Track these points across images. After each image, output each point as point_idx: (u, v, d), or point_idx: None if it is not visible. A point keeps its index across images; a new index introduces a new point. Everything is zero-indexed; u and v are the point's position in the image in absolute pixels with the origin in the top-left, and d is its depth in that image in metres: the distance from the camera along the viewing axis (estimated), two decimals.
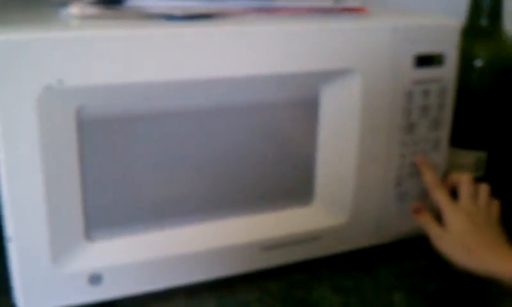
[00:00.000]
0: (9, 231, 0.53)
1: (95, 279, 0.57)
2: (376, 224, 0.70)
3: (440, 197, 0.66)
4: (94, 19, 0.56)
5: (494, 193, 0.69)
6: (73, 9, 0.57)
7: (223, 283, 0.64)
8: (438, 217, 0.66)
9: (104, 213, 0.58)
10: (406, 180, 0.70)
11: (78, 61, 0.51)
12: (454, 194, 0.67)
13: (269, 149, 0.64)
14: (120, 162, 0.57)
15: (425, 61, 0.66)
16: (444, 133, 0.70)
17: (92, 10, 0.56)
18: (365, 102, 0.64)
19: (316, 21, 0.62)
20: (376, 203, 0.69)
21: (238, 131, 0.61)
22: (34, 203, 0.53)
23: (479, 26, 0.79)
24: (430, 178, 0.68)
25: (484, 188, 0.67)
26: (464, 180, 0.67)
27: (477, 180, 0.68)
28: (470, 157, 0.81)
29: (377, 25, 0.63)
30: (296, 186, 0.67)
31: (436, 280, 0.68)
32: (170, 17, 0.58)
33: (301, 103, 0.64)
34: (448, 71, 0.68)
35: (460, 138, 0.80)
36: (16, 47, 0.49)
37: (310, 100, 0.64)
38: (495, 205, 0.67)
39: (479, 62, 0.79)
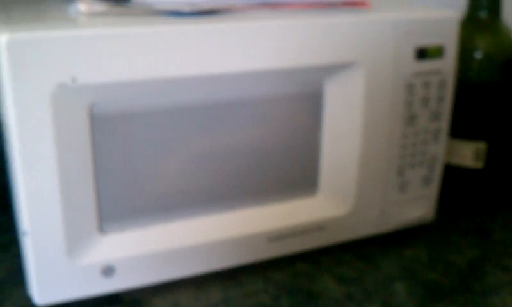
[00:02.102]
0: (25, 225, 0.54)
1: (108, 270, 0.59)
2: (378, 213, 0.71)
3: None
4: (102, 16, 0.57)
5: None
6: (82, 6, 0.57)
7: (229, 274, 0.66)
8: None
9: (116, 206, 0.59)
10: (407, 170, 0.71)
11: (90, 58, 0.52)
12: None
13: (274, 142, 0.65)
14: (131, 157, 0.58)
15: (425, 53, 0.67)
16: (444, 124, 0.72)
17: (100, 7, 0.57)
18: (368, 94, 0.65)
19: (320, 15, 0.63)
20: (378, 193, 0.70)
21: (244, 125, 0.63)
22: (49, 197, 0.54)
23: (479, 18, 0.80)
24: None
25: None
26: None
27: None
28: (469, 148, 0.82)
29: (379, 19, 0.64)
30: (300, 177, 0.68)
31: (436, 270, 0.69)
32: (178, 13, 0.59)
33: (305, 97, 0.65)
34: (448, 63, 0.69)
35: (460, 129, 0.82)
36: (30, 45, 0.50)
37: (314, 93, 0.65)
38: None
39: (478, 54, 0.80)
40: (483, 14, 0.80)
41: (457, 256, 0.72)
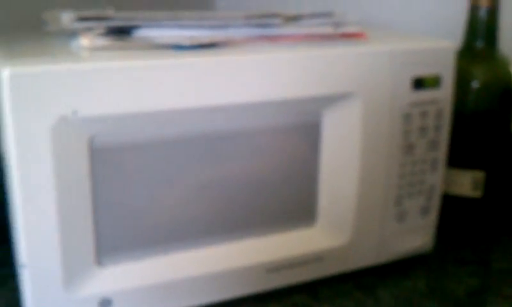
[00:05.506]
0: (23, 258, 0.54)
1: (105, 303, 0.59)
2: (376, 244, 0.71)
3: None
4: (104, 50, 0.57)
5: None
6: (84, 41, 0.58)
7: (227, 306, 0.65)
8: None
9: (114, 238, 0.59)
10: (405, 200, 0.71)
11: (91, 91, 0.52)
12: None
13: (272, 174, 0.65)
14: (129, 189, 0.59)
15: (422, 83, 0.68)
16: (441, 153, 0.72)
17: (102, 41, 0.58)
18: (365, 124, 0.66)
19: (317, 47, 0.63)
20: (376, 223, 0.70)
21: (242, 156, 0.63)
22: (47, 230, 0.54)
23: (475, 48, 0.81)
24: None
25: None
26: None
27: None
28: (467, 177, 0.82)
29: (376, 50, 0.65)
30: (299, 208, 0.68)
31: (435, 300, 0.69)
32: (178, 47, 0.59)
33: (303, 128, 0.65)
34: (444, 93, 0.70)
35: (458, 158, 0.82)
36: (31, 78, 0.50)
37: (312, 123, 0.66)
38: None
39: (476, 84, 0.80)
40: (480, 44, 0.80)
41: (456, 286, 0.72)
